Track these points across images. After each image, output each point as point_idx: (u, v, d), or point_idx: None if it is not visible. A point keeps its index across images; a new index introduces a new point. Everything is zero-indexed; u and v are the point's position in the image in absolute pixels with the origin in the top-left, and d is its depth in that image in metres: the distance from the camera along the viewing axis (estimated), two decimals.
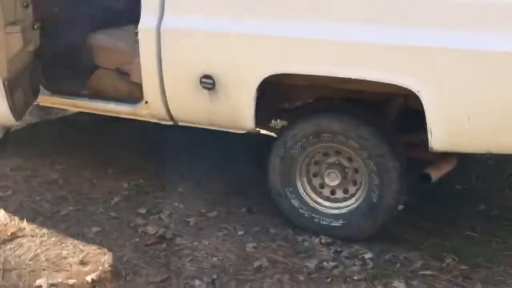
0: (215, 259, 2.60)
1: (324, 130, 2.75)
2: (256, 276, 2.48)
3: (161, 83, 2.97)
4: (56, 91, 3.45)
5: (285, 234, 2.88)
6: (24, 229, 2.80)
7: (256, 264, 2.58)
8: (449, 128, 2.48)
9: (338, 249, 2.73)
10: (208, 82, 2.84)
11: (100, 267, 2.49)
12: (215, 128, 3.05)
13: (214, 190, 3.31)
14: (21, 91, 2.88)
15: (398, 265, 2.63)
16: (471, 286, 2.47)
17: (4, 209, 2.98)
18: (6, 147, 3.71)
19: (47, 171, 3.47)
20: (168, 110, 3.09)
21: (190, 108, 3.02)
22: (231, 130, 3.01)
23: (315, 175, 2.90)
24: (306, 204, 2.90)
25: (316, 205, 2.90)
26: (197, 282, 2.40)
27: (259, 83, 2.72)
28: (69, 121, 4.40)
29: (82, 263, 2.53)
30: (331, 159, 2.85)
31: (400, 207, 2.76)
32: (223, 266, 2.55)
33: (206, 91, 2.87)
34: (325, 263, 2.62)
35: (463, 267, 2.60)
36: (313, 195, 2.92)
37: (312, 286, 2.45)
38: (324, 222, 2.86)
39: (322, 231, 2.86)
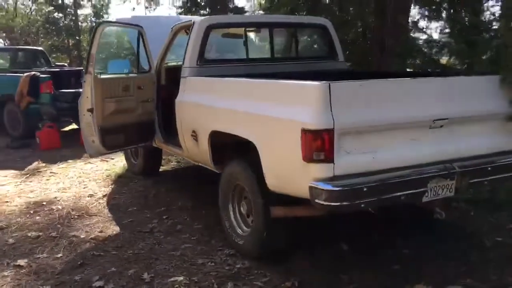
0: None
1: (232, 171, 3.87)
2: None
3: (181, 135, 4.64)
4: (166, 140, 5.53)
5: (216, 243, 4.04)
6: (102, 211, 4.90)
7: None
8: (273, 174, 3.31)
9: (228, 258, 3.75)
10: (194, 135, 4.36)
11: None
12: (205, 166, 4.49)
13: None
14: (117, 136, 5.02)
15: (252, 276, 3.47)
16: None
17: (107, 202, 5.18)
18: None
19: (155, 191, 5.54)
20: (189, 153, 4.72)
21: (192, 152, 4.57)
22: (210, 168, 4.39)
23: (238, 204, 3.97)
24: (232, 225, 3.98)
25: (236, 227, 3.95)
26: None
27: (208, 136, 4.08)
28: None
29: (101, 231, 4.40)
30: (243, 194, 3.89)
31: (264, 234, 3.54)
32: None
33: (195, 141, 4.39)
34: (209, 263, 3.70)
35: None
36: (239, 219, 3.97)
37: (186, 270, 3.60)
38: (235, 240, 3.89)
39: (235, 246, 3.89)
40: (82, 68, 10.77)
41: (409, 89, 3.19)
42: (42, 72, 8.92)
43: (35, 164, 7.05)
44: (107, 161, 7.12)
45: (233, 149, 3.99)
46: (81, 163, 7.02)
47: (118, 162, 6.91)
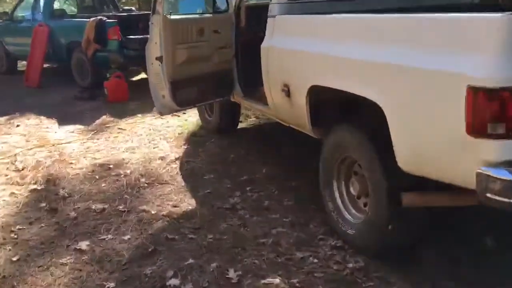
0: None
1: (339, 140, 2.95)
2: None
3: (268, 89, 3.75)
4: (246, 94, 4.67)
5: (315, 229, 3.20)
6: (175, 179, 4.19)
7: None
8: (410, 150, 2.35)
9: (335, 252, 2.90)
10: (286, 90, 3.45)
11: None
12: (298, 129, 3.60)
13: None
14: (190, 90, 4.22)
15: (371, 283, 2.62)
16: None
17: (180, 167, 4.47)
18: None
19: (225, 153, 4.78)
20: (277, 112, 3.83)
21: (282, 110, 3.68)
22: (305, 132, 3.49)
23: (345, 182, 3.08)
24: (337, 208, 3.11)
25: (344, 211, 3.07)
26: None
27: (306, 92, 3.16)
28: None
29: (175, 206, 3.69)
30: (354, 168, 2.98)
31: (390, 227, 2.64)
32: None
33: (286, 97, 3.48)
34: (310, 258, 2.88)
35: None
36: (346, 201, 3.09)
37: (283, 267, 2.80)
38: (343, 228, 3.02)
39: (342, 236, 3.03)
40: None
41: None
42: (109, 17, 8.24)
43: (102, 118, 6.45)
44: (178, 116, 6.37)
45: (342, 110, 3.07)
46: (151, 118, 6.33)
47: (190, 118, 6.16)
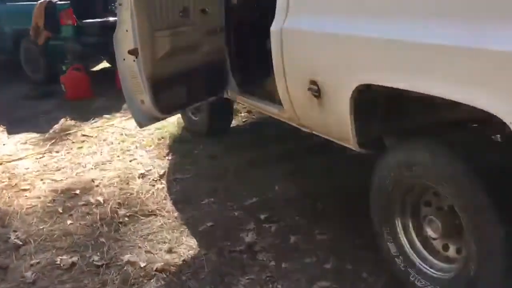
0: None
1: (413, 160, 2.05)
2: None
3: (284, 86, 2.81)
4: (244, 91, 3.72)
5: (371, 280, 2.33)
6: (163, 206, 3.24)
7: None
8: None
9: None
10: (314, 88, 2.53)
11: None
12: (333, 140, 2.70)
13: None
14: (176, 90, 3.26)
15: None
16: None
17: (168, 188, 3.50)
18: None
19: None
20: (297, 116, 2.91)
21: (307, 115, 2.76)
22: (344, 145, 2.59)
23: (413, 218, 2.21)
24: (404, 253, 2.24)
25: (416, 258, 2.21)
26: None
27: (350, 93, 2.24)
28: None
29: (170, 251, 2.75)
30: (431, 200, 2.11)
31: None
32: None
33: (315, 98, 2.56)
34: None
35: None
36: (418, 246, 2.22)
37: None
38: (418, 283, 2.16)
39: None
40: None
41: None
42: None
43: (61, 122, 5.34)
44: None
45: (409, 117, 2.19)
46: (121, 119, 5.28)
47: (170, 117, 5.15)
